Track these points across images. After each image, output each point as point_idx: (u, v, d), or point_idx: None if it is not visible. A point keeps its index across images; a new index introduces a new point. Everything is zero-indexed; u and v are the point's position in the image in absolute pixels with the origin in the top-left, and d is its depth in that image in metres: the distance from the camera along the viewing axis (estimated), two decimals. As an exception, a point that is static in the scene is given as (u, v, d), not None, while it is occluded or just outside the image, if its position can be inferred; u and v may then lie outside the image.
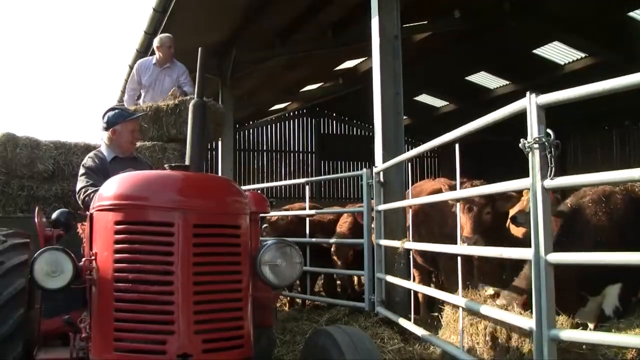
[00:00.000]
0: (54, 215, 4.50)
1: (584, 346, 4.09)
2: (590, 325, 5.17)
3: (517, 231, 6.56)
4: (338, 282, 9.76)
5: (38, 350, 3.85)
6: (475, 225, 5.84)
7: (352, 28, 12.56)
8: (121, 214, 2.95)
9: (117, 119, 5.01)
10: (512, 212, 6.31)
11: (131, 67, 12.08)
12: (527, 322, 3.79)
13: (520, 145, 3.58)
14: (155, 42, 8.47)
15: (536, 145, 3.46)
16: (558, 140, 3.39)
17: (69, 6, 73.74)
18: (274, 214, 9.25)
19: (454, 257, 5.15)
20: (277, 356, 5.72)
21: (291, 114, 23.71)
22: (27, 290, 3.65)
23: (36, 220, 4.40)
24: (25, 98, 68.80)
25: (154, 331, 2.79)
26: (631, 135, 19.50)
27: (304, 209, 8.87)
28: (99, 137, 7.47)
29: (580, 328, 4.78)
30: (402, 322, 6.07)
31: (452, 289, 5.27)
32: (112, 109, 5.24)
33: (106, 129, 5.01)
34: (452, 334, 5.33)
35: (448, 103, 21.19)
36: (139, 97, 8.52)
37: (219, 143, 14.49)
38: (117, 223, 2.94)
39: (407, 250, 6.44)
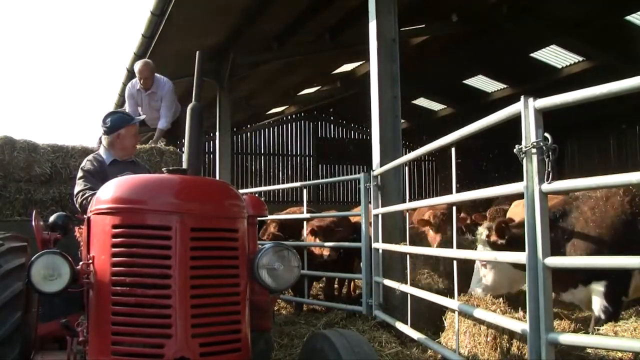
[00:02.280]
0: (52, 218, 4.48)
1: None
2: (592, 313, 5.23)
3: None
4: (336, 285, 9.76)
5: (35, 354, 3.85)
6: None
7: (349, 31, 12.57)
8: (119, 217, 2.95)
9: (121, 123, 5.02)
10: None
11: (129, 71, 12.14)
12: (521, 325, 3.81)
13: (515, 150, 3.59)
14: (134, 67, 8.56)
15: (533, 150, 3.47)
16: (555, 145, 3.39)
17: (67, 9, 73.75)
18: (272, 217, 9.26)
19: None
20: (275, 360, 5.72)
21: (289, 117, 23.73)
22: (25, 293, 3.65)
23: (33, 223, 4.39)
24: (23, 101, 68.83)
25: (152, 335, 2.78)
26: (628, 139, 19.53)
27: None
28: (96, 140, 7.52)
29: (581, 331, 4.78)
30: (400, 325, 6.07)
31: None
32: (113, 112, 5.26)
33: (108, 132, 5.01)
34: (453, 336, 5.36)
35: (446, 107, 21.23)
36: None
37: (217, 146, 14.49)
38: (115, 226, 2.93)
39: (404, 254, 6.44)
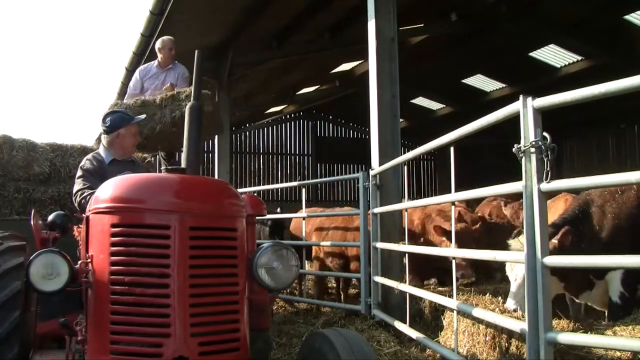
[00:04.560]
0: (50, 217, 4.48)
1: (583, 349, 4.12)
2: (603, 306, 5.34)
3: None
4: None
5: (34, 353, 3.84)
6: None
7: (348, 31, 12.58)
8: (117, 216, 2.94)
9: (121, 123, 5.01)
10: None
11: (128, 70, 12.13)
12: (519, 324, 3.81)
13: (513, 150, 3.59)
14: (157, 44, 8.48)
15: (532, 149, 3.47)
16: (554, 144, 3.39)
17: (65, 9, 73.70)
18: (270, 217, 9.26)
19: None
20: (274, 359, 5.72)
21: (288, 116, 23.73)
22: (23, 292, 3.65)
23: (32, 222, 4.40)
24: (22, 100, 68.79)
25: (150, 334, 2.78)
26: (627, 138, 19.54)
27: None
28: (95, 139, 7.48)
29: (580, 330, 4.80)
30: (398, 325, 6.07)
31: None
32: (112, 112, 5.26)
33: (108, 132, 5.00)
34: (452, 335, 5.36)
35: (444, 106, 21.23)
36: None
37: (216, 146, 14.49)
38: (114, 226, 2.92)
39: (403, 253, 6.45)
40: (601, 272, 5.19)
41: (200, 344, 2.80)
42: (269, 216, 9.41)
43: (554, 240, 5.02)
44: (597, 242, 5.16)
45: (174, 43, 8.38)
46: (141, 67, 8.64)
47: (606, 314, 5.33)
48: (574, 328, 4.69)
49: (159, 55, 8.36)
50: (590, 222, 5.29)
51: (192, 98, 3.76)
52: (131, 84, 8.50)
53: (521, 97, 3.61)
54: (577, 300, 5.69)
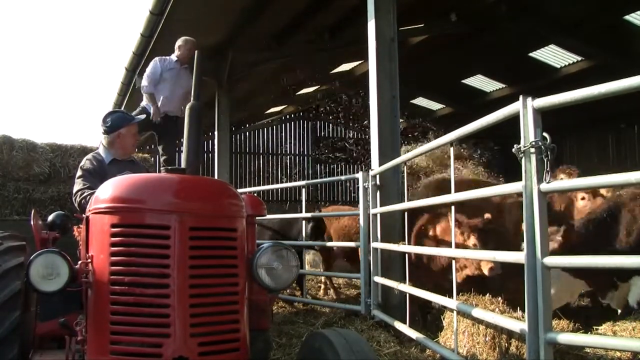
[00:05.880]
0: (50, 217, 4.49)
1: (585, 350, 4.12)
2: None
3: None
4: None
5: (34, 353, 3.84)
6: None
7: (348, 31, 12.56)
8: (117, 216, 2.94)
9: (122, 123, 5.02)
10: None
11: (128, 70, 12.14)
12: (519, 325, 3.81)
13: (513, 150, 3.59)
14: (179, 41, 8.63)
15: (532, 149, 3.47)
16: (554, 144, 3.40)
17: (65, 9, 73.70)
18: (270, 217, 9.25)
19: None
20: (274, 359, 5.71)
21: (288, 116, 23.71)
22: (23, 292, 3.65)
23: (32, 222, 4.40)
24: (22, 100, 68.79)
25: (150, 334, 2.78)
26: (627, 138, 19.51)
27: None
28: (96, 139, 7.49)
29: (580, 330, 4.81)
30: (398, 325, 6.07)
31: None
32: (113, 112, 5.27)
33: (109, 132, 5.01)
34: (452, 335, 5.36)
35: (444, 106, 21.22)
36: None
37: (215, 146, 14.49)
38: (113, 226, 2.92)
39: (403, 253, 6.44)
40: (625, 276, 5.19)
41: (200, 344, 2.80)
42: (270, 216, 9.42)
43: (558, 237, 5.03)
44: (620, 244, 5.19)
45: (195, 45, 8.48)
46: (161, 57, 8.74)
47: (618, 313, 5.34)
48: (574, 328, 4.69)
49: (178, 52, 8.51)
50: (617, 224, 5.30)
51: (192, 98, 3.76)
52: (150, 70, 8.57)
53: (521, 97, 3.61)
54: (602, 300, 5.70)
